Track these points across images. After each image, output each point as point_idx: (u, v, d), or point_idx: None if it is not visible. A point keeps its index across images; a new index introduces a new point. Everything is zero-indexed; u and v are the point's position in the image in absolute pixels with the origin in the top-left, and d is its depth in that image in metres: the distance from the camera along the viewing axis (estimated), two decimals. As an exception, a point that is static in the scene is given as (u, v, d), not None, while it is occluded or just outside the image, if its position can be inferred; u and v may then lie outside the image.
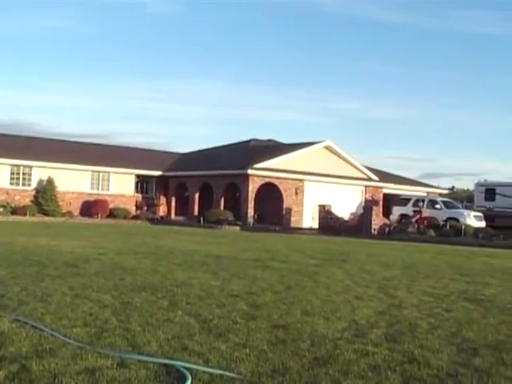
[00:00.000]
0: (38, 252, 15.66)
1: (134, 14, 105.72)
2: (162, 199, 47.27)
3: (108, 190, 44.85)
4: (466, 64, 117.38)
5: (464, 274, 14.99)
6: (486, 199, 43.53)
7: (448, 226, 35.17)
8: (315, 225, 40.21)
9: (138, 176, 46.49)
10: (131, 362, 5.73)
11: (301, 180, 42.50)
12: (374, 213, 36.29)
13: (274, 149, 45.62)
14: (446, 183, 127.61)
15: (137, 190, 46.72)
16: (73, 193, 42.97)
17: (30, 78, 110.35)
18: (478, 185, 46.74)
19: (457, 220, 36.87)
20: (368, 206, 39.60)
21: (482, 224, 37.38)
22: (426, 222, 36.45)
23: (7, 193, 40.66)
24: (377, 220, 36.26)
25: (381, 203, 44.90)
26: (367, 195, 46.36)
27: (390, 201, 45.77)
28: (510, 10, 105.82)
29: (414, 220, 36.79)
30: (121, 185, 45.36)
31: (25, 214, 38.58)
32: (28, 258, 14.02)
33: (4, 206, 39.19)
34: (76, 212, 42.56)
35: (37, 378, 5.17)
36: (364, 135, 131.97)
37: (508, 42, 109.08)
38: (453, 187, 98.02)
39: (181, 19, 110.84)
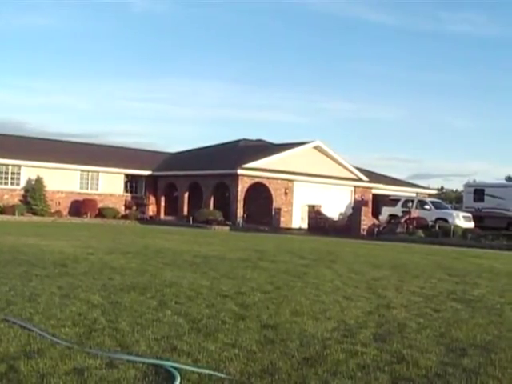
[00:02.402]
0: (26, 251, 15.59)
1: (122, 14, 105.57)
2: (152, 199, 47.20)
3: (97, 189, 44.73)
4: (456, 65, 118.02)
5: (453, 274, 15.03)
6: (475, 200, 43.63)
7: (437, 227, 35.24)
8: (304, 225, 40.25)
9: (127, 176, 46.41)
10: (120, 362, 5.72)
11: (290, 180, 42.53)
12: (363, 213, 36.33)
13: (264, 149, 45.63)
14: (435, 184, 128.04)
15: (126, 190, 46.63)
16: (62, 192, 42.84)
17: (19, 77, 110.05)
18: (467, 186, 46.87)
19: (446, 220, 36.95)
20: (357, 206, 39.64)
21: (471, 225, 37.48)
22: (415, 222, 36.48)
23: (-4, 192, 40.53)
24: (366, 220, 36.30)
25: (370, 203, 44.92)
26: (357, 195, 46.45)
27: (379, 201, 45.87)
28: (499, 12, 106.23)
29: (403, 220, 36.83)
30: (110, 184, 45.27)
31: (13, 214, 38.39)
32: (16, 258, 13.96)
33: (-8, 205, 39.06)
34: (65, 211, 42.43)
35: (25, 379, 5.15)
36: (354, 136, 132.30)
37: (497, 44, 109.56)
38: (442, 188, 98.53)
39: (170, 19, 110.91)
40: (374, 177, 49.53)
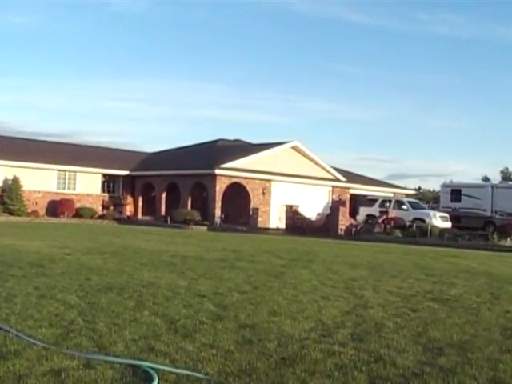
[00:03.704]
0: (2, 252, 15.47)
1: (98, 12, 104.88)
2: (129, 199, 47.01)
3: (74, 189, 44.44)
4: (434, 66, 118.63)
5: (430, 274, 15.11)
6: (452, 200, 43.94)
7: (414, 227, 35.45)
8: (282, 225, 40.25)
9: (104, 175, 46.16)
10: (97, 362, 5.69)
11: (268, 180, 42.55)
12: (340, 213, 36.41)
13: (242, 149, 45.62)
14: (412, 184, 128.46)
15: (103, 190, 46.37)
16: (39, 192, 42.50)
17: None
18: (444, 186, 47.15)
19: (423, 220, 37.19)
20: (335, 206, 39.74)
21: (448, 225, 37.76)
22: (392, 222, 36.67)
23: (-29, 192, 40.09)
24: (343, 220, 36.38)
25: (348, 204, 45.08)
26: (334, 196, 46.54)
27: (356, 201, 45.98)
28: (477, 13, 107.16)
29: (380, 220, 37.00)
30: (87, 184, 45.00)
31: (-11, 214, 38.07)
32: (-8, 258, 13.85)
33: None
34: (42, 211, 42.10)
35: (1, 380, 5.11)
36: (332, 136, 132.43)
37: (477, 45, 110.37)
38: (419, 188, 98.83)
39: (147, 19, 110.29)
40: (352, 177, 49.68)
